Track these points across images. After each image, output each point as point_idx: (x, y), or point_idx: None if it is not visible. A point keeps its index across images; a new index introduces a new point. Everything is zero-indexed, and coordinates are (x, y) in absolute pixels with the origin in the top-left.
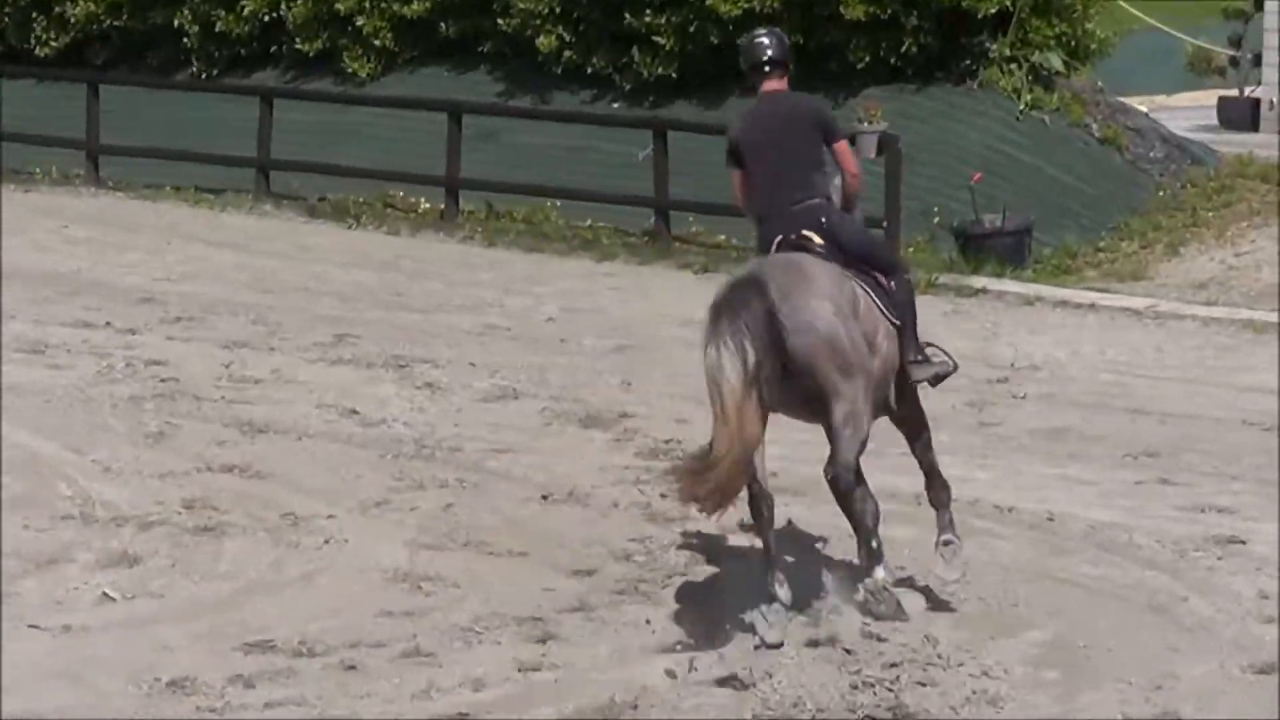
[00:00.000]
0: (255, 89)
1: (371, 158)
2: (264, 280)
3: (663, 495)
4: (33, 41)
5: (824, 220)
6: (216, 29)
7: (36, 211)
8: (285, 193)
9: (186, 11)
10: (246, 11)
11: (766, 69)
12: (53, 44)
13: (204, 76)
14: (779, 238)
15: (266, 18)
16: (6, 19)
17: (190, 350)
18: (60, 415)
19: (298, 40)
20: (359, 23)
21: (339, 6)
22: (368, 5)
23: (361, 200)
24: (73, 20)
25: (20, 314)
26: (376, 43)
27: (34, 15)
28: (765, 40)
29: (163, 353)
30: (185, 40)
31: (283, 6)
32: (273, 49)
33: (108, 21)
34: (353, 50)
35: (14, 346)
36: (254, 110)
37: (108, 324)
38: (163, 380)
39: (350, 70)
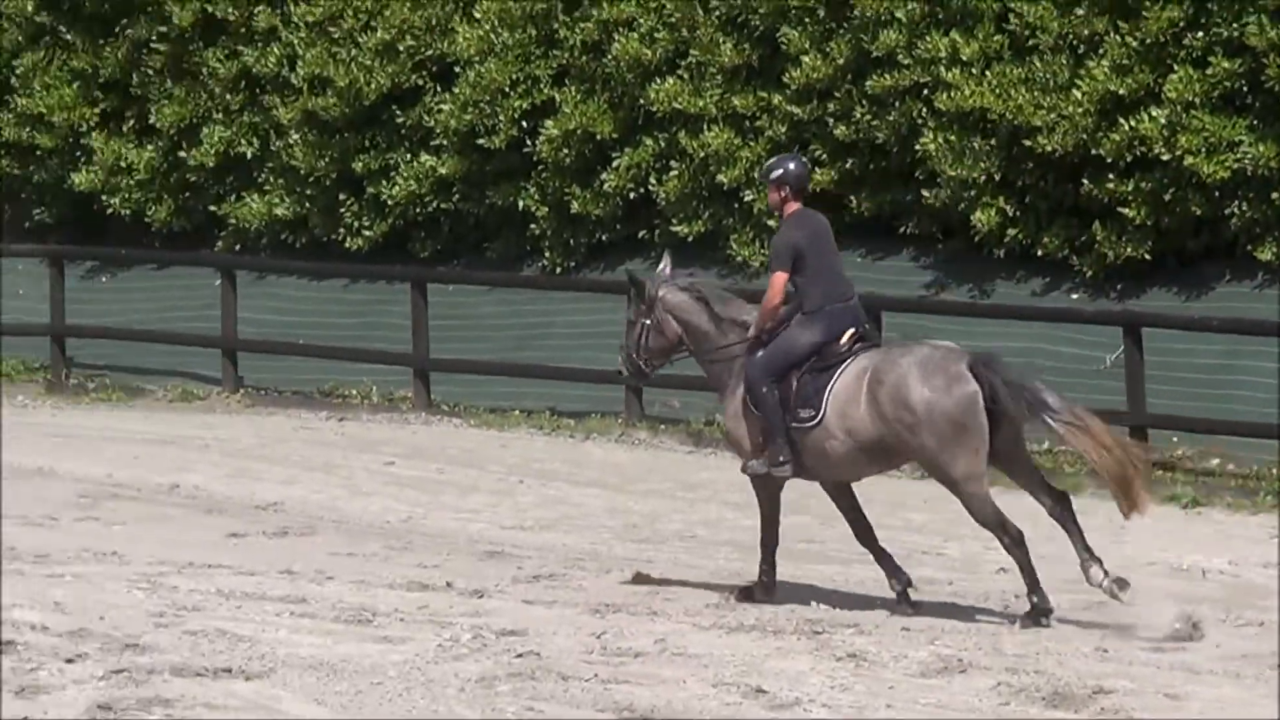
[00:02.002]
0: (622, 285)
1: None
2: (640, 528)
3: None
4: (341, 232)
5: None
6: (572, 210)
7: (355, 445)
8: (663, 415)
9: (533, 190)
10: (607, 187)
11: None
12: (366, 233)
13: (557, 270)
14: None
15: (632, 194)
16: (309, 205)
17: (552, 616)
18: (395, 701)
19: (673, 221)
20: (746, 198)
21: (721, 179)
22: (756, 176)
23: None
24: (390, 203)
25: (339, 574)
26: (771, 223)
27: (342, 198)
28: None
29: (518, 620)
30: (533, 226)
31: (651, 180)
32: (641, 233)
33: (434, 204)
34: (741, 233)
35: (332, 615)
36: (620, 312)
37: (448, 585)
38: (519, 655)
39: (739, 257)
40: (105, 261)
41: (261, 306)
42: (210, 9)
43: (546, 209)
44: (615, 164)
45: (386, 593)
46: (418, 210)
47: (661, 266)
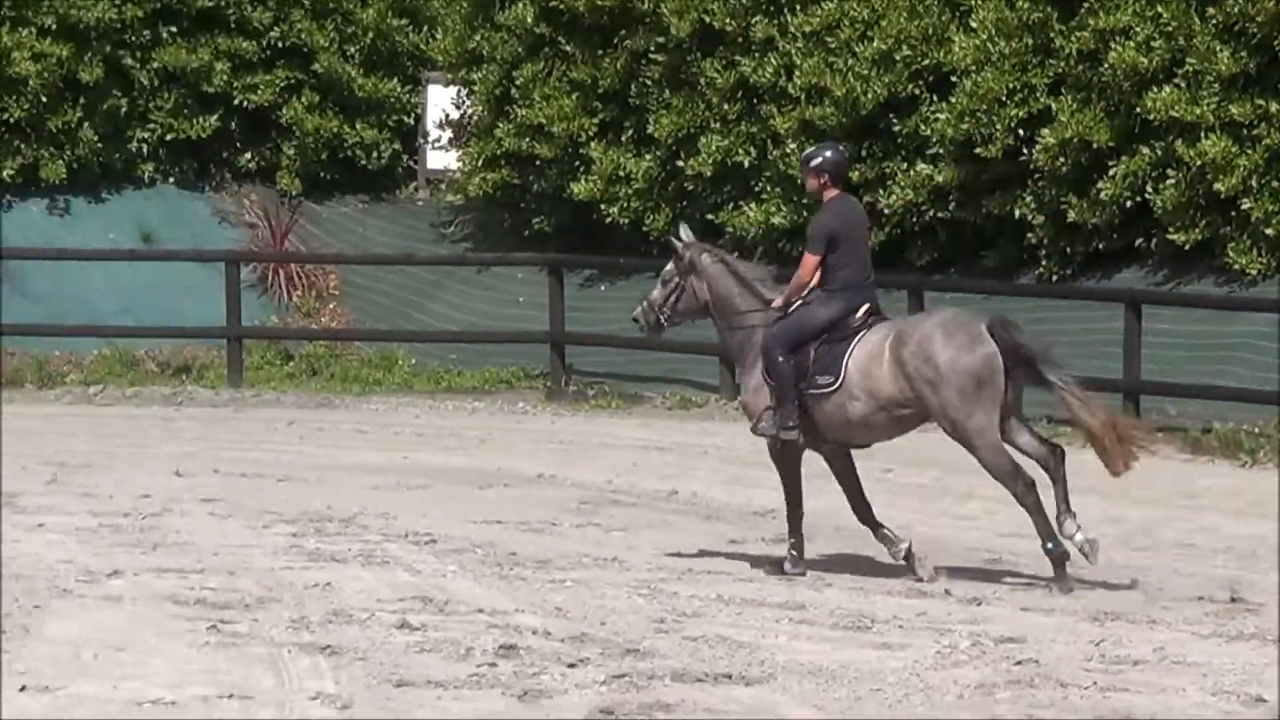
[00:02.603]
0: (1119, 293)
1: (1264, 379)
2: (1136, 535)
3: None
4: None
5: None
6: (1068, 219)
7: (857, 454)
8: (1161, 424)
9: (1029, 198)
10: (1104, 196)
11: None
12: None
13: (1053, 278)
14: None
15: (1128, 202)
16: (806, 213)
17: (1050, 624)
18: (894, 707)
19: (1169, 230)
20: (1244, 206)
21: (1218, 187)
22: (1254, 184)
23: (1257, 431)
24: (887, 212)
25: (837, 581)
26: (1268, 231)
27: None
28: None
29: (1016, 627)
30: (1029, 235)
31: (1148, 189)
32: (1138, 241)
33: (931, 212)
34: (1239, 241)
35: (831, 621)
36: (1115, 319)
37: (946, 592)
38: (1018, 663)
39: (1235, 265)
40: (603, 270)
41: None
42: (708, 20)
43: (1043, 217)
44: (1112, 172)
45: (885, 599)
46: (914, 219)
47: (683, 234)
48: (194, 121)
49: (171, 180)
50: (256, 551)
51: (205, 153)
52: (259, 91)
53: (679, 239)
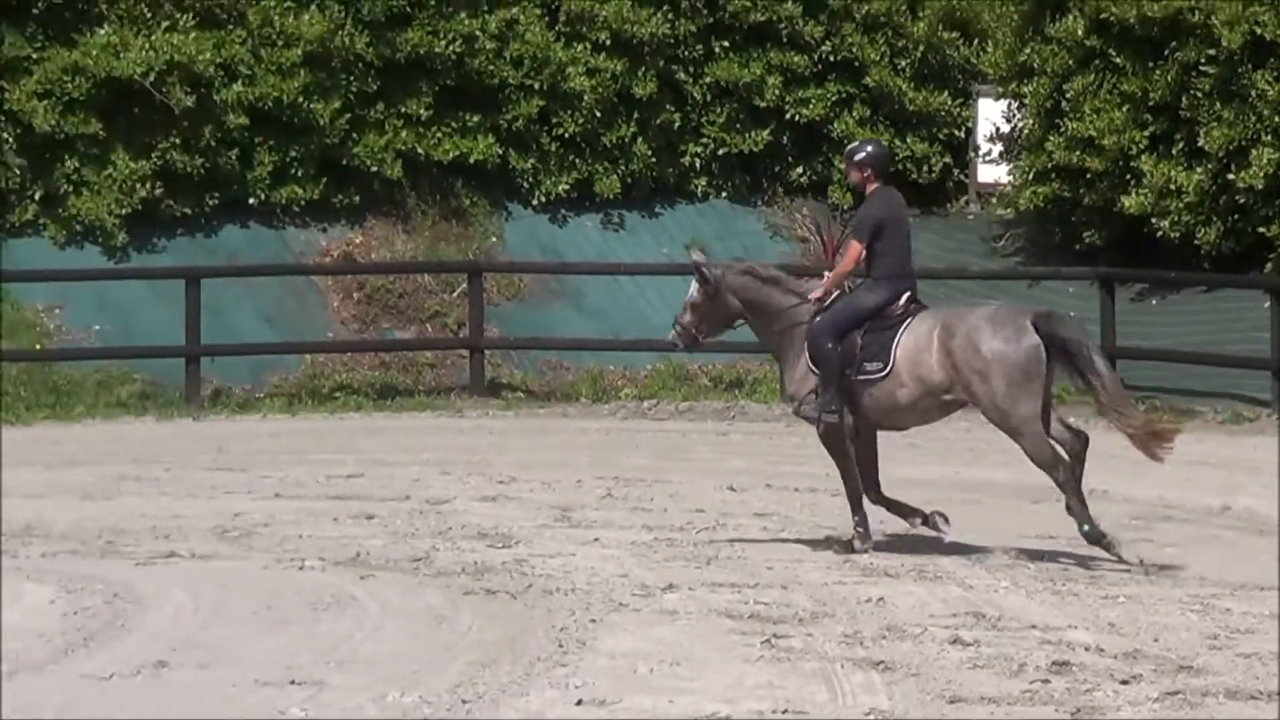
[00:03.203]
0: None
1: None
2: None
3: None
4: None
5: None
6: None
7: None
8: None
9: None
10: None
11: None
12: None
13: None
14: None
15: None
16: None
17: None
18: None
19: None
20: None
21: None
22: None
23: None
24: None
25: None
26: None
27: None
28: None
29: None
30: None
31: None
32: None
33: None
34: None
35: None
36: None
37: None
38: None
39: None
40: (1154, 284)
41: None
42: (1259, 31)
43: None
44: None
45: None
46: None
47: (695, 256)
48: (746, 136)
49: (724, 195)
50: (809, 566)
51: (757, 167)
52: (811, 105)
53: (699, 263)
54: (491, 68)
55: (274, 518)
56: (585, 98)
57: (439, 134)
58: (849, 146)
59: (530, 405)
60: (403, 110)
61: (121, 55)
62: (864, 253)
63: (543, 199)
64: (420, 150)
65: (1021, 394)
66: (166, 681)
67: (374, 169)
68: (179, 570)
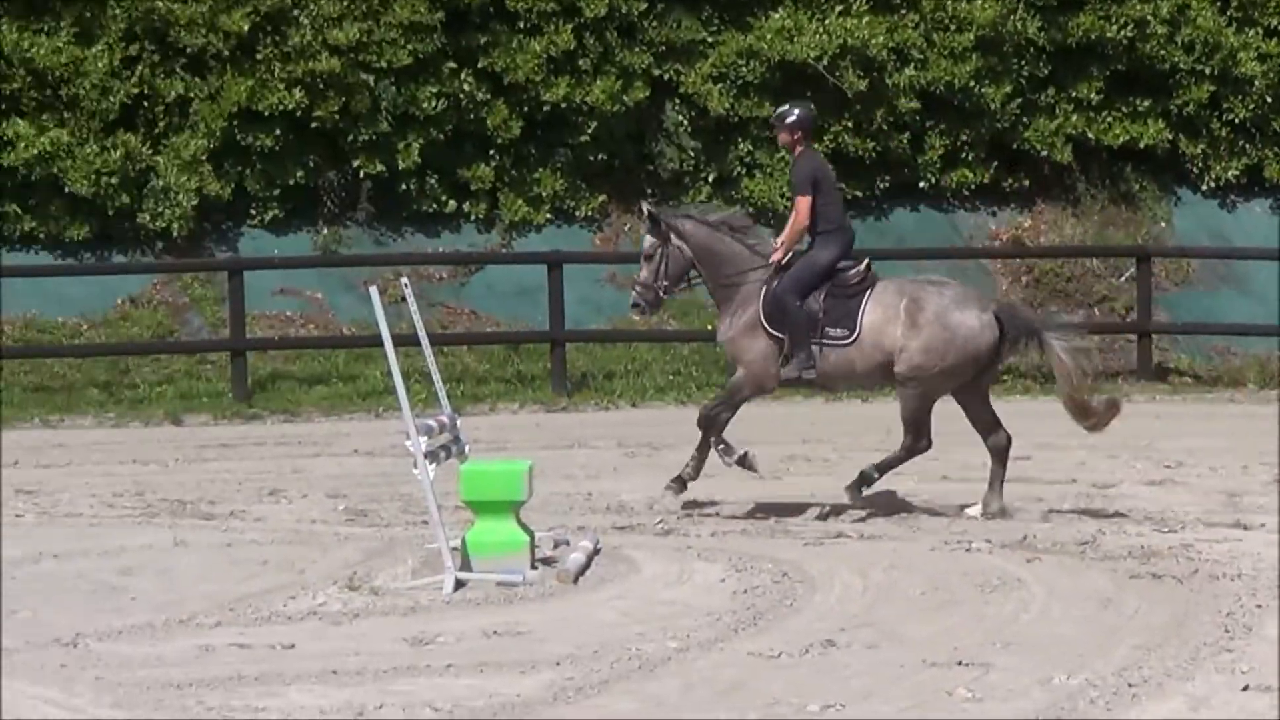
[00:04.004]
0: None
1: None
2: None
3: None
4: None
5: None
6: None
7: None
8: None
9: None
10: None
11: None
12: None
13: None
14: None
15: None
16: None
17: None
18: None
19: None
20: None
21: None
22: None
23: None
24: None
25: None
26: None
27: None
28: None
29: None
30: None
31: None
32: None
33: None
34: None
35: None
36: None
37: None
38: None
39: None
40: None
41: None
42: None
43: None
44: None
45: None
46: None
47: (649, 207)
48: None
49: None
50: None
51: None
52: None
53: (650, 212)
54: (1162, 52)
55: (932, 501)
56: (1256, 83)
57: (1109, 118)
58: (779, 110)
59: (1197, 390)
60: (1073, 95)
61: (795, 39)
62: (812, 205)
63: (1212, 184)
64: (1090, 134)
65: (957, 373)
66: (834, 660)
67: (1044, 153)
68: (847, 550)
